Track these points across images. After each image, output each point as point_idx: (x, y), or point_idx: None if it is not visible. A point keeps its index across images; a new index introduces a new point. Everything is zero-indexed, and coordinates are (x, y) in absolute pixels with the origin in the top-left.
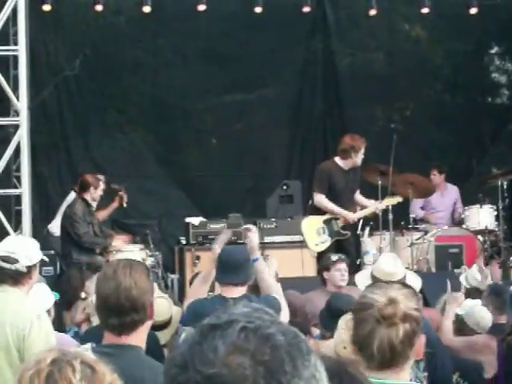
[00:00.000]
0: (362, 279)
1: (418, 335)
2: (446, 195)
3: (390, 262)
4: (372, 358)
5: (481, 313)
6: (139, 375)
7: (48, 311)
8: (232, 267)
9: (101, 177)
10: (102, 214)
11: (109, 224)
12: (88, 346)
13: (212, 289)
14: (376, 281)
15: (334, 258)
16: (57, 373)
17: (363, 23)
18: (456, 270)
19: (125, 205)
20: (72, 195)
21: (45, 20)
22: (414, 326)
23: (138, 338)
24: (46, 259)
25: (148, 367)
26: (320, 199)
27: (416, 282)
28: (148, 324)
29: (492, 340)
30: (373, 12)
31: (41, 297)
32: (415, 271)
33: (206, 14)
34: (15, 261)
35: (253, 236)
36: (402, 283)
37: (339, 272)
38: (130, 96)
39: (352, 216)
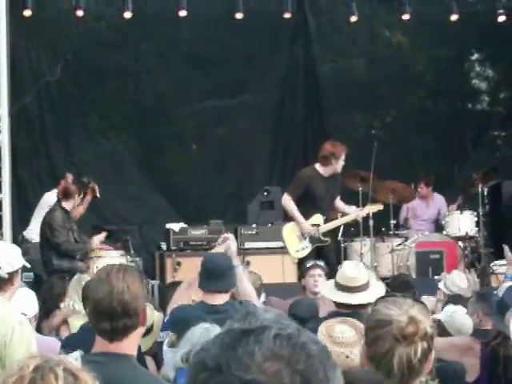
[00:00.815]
0: (327, 287)
1: (431, 351)
2: (432, 205)
3: (352, 268)
4: (391, 375)
5: (461, 319)
6: None
7: (35, 317)
8: (216, 274)
9: (69, 175)
10: (79, 210)
11: (88, 230)
12: (77, 354)
13: None
14: (340, 287)
15: (309, 264)
16: (39, 380)
17: (344, 29)
18: (436, 277)
19: (98, 195)
20: (46, 197)
21: (26, 25)
22: (430, 343)
23: (130, 345)
24: (28, 265)
25: (141, 377)
26: (286, 201)
27: (379, 288)
28: (140, 331)
29: (475, 343)
30: (354, 18)
31: (27, 303)
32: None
33: (187, 20)
34: None
35: (232, 244)
36: (413, 299)
37: (313, 278)
38: (113, 101)
39: (306, 226)
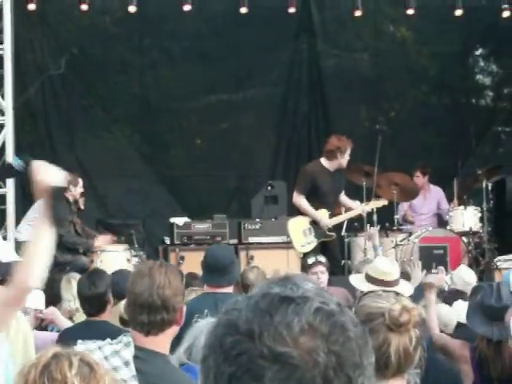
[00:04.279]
0: (357, 280)
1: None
2: (429, 197)
3: (386, 262)
4: (388, 366)
5: (444, 314)
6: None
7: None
8: (217, 269)
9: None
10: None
11: (93, 224)
12: (120, 345)
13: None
14: (371, 280)
15: (311, 260)
16: (54, 365)
17: (348, 24)
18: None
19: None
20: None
21: (30, 19)
22: (420, 331)
23: (164, 342)
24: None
25: (173, 375)
26: (297, 200)
27: (408, 288)
28: (175, 329)
29: (465, 349)
30: (358, 13)
31: (32, 296)
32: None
33: (192, 14)
34: None
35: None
36: (395, 292)
37: (315, 275)
38: (116, 95)
39: (325, 222)
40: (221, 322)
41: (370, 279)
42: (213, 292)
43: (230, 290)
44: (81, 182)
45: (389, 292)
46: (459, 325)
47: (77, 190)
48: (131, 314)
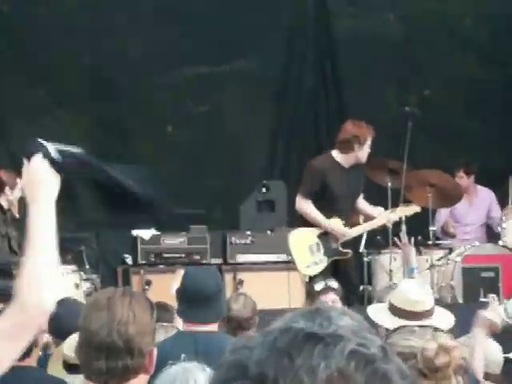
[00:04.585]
0: (377, 311)
1: None
2: (476, 203)
3: (416, 288)
4: None
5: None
6: None
7: None
8: (199, 300)
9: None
10: None
11: None
12: None
13: None
14: (396, 312)
15: (319, 286)
16: None
17: None
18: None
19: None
20: None
21: None
22: (465, 378)
23: None
24: None
25: None
26: (302, 205)
27: (447, 319)
28: (143, 379)
29: None
30: None
31: None
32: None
33: None
34: None
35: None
36: (434, 328)
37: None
38: (62, 68)
39: (342, 232)
40: (225, 363)
41: (394, 310)
42: (191, 331)
43: (214, 327)
44: (20, 183)
45: (425, 327)
46: (508, 360)
47: (14, 194)
48: (84, 359)
